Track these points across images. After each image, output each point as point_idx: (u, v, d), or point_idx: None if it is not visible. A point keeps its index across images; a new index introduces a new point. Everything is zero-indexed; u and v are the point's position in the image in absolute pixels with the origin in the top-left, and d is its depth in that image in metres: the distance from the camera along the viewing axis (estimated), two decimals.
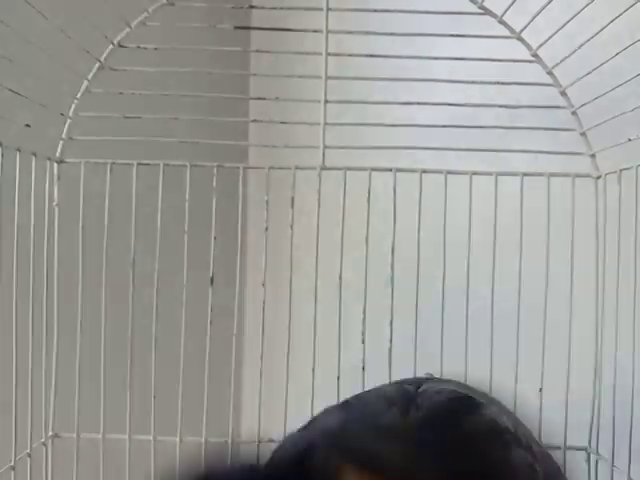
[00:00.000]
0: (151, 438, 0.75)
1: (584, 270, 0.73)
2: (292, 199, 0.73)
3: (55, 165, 0.75)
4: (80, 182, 0.75)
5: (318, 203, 0.73)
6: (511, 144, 0.77)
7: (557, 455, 0.72)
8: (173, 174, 0.76)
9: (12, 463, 0.69)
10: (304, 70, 0.77)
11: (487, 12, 0.74)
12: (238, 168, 0.76)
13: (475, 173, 0.75)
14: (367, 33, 0.75)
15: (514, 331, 0.74)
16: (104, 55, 0.75)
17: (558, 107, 0.75)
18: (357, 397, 0.60)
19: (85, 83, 0.75)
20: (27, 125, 0.70)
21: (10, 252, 0.68)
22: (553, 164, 0.77)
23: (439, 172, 0.75)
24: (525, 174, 0.74)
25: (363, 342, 0.74)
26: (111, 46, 0.74)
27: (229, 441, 0.76)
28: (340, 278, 0.74)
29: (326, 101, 0.75)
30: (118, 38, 0.74)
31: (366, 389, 0.65)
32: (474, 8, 0.74)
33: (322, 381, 0.73)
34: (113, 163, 0.75)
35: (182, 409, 0.75)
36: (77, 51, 0.70)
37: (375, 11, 0.75)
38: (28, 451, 0.72)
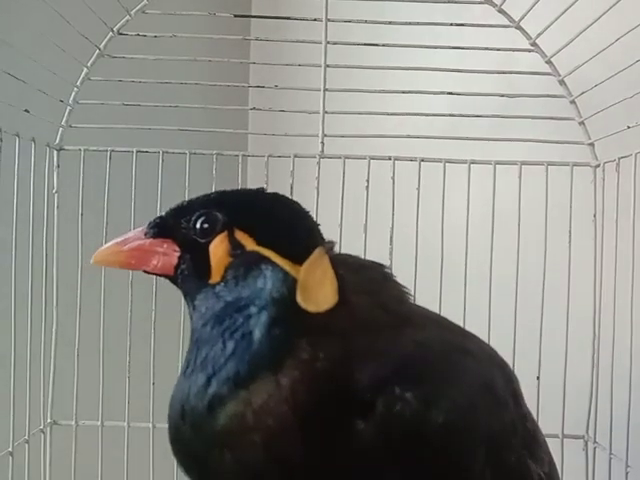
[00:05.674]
0: (150, 425, 0.75)
1: (582, 258, 0.73)
2: (291, 187, 0.73)
3: (55, 152, 0.75)
4: (80, 169, 0.75)
5: (317, 191, 0.73)
6: (510, 133, 0.77)
7: (555, 444, 0.72)
8: (172, 162, 0.76)
9: (10, 449, 0.69)
10: (304, 59, 0.77)
11: (486, 1, 0.74)
12: (237, 156, 0.76)
13: (474, 162, 0.75)
14: (366, 22, 0.75)
15: (512, 319, 0.74)
16: (104, 43, 0.75)
17: (556, 96, 0.75)
18: None
19: (85, 71, 0.75)
20: (26, 110, 0.70)
21: (9, 239, 0.68)
22: (552, 153, 0.77)
23: (438, 161, 0.75)
24: (524, 163, 0.74)
25: None
26: (111, 34, 0.75)
27: None
28: None
29: (325, 89, 0.75)
30: (118, 26, 0.74)
31: None
32: None
33: None
34: (112, 150, 0.75)
35: None
36: (77, 38, 0.70)
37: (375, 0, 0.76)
38: (26, 437, 0.72)
